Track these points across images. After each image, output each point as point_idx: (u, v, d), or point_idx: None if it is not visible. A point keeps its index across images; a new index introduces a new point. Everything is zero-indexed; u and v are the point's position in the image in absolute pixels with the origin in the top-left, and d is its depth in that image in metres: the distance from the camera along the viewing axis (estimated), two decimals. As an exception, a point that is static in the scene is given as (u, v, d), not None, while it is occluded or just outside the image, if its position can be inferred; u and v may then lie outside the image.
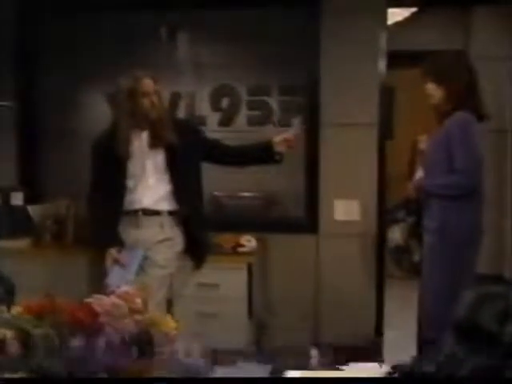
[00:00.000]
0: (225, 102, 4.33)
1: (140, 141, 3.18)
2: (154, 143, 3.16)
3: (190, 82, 4.35)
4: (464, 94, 3.16)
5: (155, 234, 3.20)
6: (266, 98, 4.30)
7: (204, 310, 3.85)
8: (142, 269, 3.16)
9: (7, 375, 1.40)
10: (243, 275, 3.90)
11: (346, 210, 4.17)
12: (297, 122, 3.30)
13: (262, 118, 4.31)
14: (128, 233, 3.22)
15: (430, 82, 3.23)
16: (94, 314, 1.43)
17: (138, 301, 1.56)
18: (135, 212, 3.20)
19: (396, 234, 3.48)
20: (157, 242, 3.20)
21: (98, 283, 3.33)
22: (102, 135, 3.27)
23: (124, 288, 1.67)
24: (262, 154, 3.32)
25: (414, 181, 3.38)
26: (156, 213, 3.20)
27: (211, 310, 3.86)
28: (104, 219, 3.21)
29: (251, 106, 4.32)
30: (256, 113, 4.32)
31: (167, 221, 3.21)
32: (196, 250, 3.29)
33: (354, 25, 4.09)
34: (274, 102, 4.29)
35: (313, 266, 4.23)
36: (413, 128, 4.90)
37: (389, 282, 4.36)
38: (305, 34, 4.20)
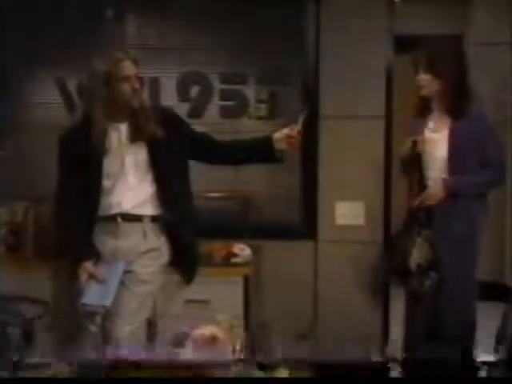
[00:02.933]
0: (194, 91, 3.84)
1: (118, 134, 2.77)
2: (135, 136, 2.76)
3: (154, 68, 3.82)
4: (469, 87, 3.04)
5: (137, 243, 2.79)
6: (240, 86, 3.84)
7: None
8: (123, 284, 2.73)
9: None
10: (238, 289, 3.41)
11: (348, 213, 3.73)
12: (301, 116, 2.84)
13: (237, 110, 3.85)
14: (104, 242, 2.80)
15: (424, 72, 3.00)
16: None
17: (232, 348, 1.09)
18: (113, 217, 2.78)
19: (417, 252, 3.05)
20: (139, 253, 2.78)
21: (66, 303, 3.01)
22: (72, 127, 2.90)
23: (203, 329, 1.18)
24: (260, 152, 2.92)
25: (443, 183, 3.06)
26: (137, 218, 2.79)
27: (201, 331, 3.32)
28: (76, 226, 2.79)
29: (224, 95, 3.86)
30: (229, 103, 3.85)
31: (151, 228, 2.80)
32: (185, 262, 2.88)
33: (358, 3, 3.63)
34: (250, 91, 3.84)
35: (311, 277, 3.78)
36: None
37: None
38: (299, 11, 3.74)
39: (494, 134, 3.09)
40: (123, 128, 2.78)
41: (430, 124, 3.12)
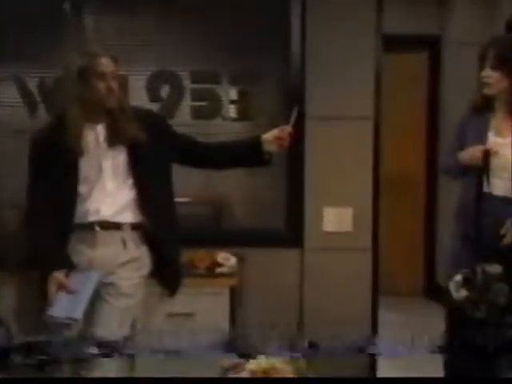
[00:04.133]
0: (165, 91, 3.61)
1: (95, 136, 2.59)
2: (114, 139, 2.58)
3: (122, 66, 3.57)
4: None
5: (117, 253, 2.60)
6: (213, 86, 3.62)
7: (176, 345, 3.10)
8: (102, 298, 2.55)
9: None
10: (224, 301, 3.20)
11: (337, 219, 3.54)
12: (292, 116, 2.68)
13: (210, 110, 3.63)
14: (80, 252, 2.61)
15: (493, 69, 2.76)
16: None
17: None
18: (90, 225, 2.59)
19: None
20: (119, 263, 2.60)
21: (30, 317, 2.83)
22: (45, 128, 2.69)
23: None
24: (248, 155, 2.77)
25: None
26: (116, 226, 2.60)
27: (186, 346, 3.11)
28: (48, 235, 2.58)
29: (196, 95, 3.63)
30: (202, 104, 3.63)
31: (131, 236, 2.61)
32: (168, 273, 2.69)
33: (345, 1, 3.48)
34: (223, 91, 3.62)
35: (297, 287, 3.58)
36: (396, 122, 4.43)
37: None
38: (283, 9, 3.53)
39: None
40: (101, 129, 2.58)
41: (494, 127, 2.84)
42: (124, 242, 2.58)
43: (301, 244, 3.57)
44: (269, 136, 2.68)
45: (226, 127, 3.61)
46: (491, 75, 2.78)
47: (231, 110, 3.63)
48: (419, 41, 5.10)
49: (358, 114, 3.52)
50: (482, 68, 2.80)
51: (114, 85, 2.54)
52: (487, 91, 2.80)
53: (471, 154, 2.79)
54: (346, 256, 3.54)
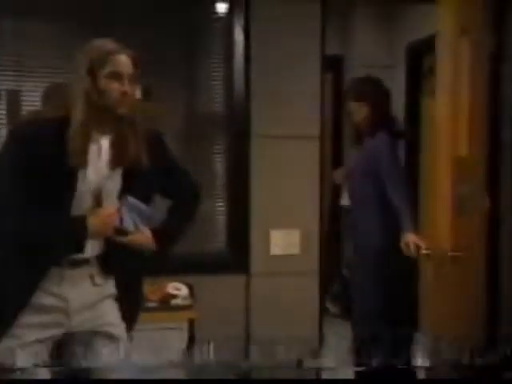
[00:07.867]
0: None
1: (98, 150, 2.11)
2: (118, 158, 2.12)
3: (11, 79, 3.24)
4: (385, 116, 3.32)
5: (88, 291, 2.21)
6: None
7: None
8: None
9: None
10: (181, 337, 2.90)
11: (284, 242, 3.40)
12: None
13: None
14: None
15: (354, 101, 3.36)
16: None
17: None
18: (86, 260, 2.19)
19: None
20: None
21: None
22: (41, 124, 2.11)
23: None
24: None
25: None
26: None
27: None
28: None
29: None
30: None
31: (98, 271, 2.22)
32: (130, 307, 2.35)
33: (290, 15, 3.35)
34: None
35: (242, 314, 3.39)
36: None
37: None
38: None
39: (395, 159, 3.26)
40: (105, 143, 2.11)
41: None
42: (92, 277, 2.19)
43: (246, 269, 3.39)
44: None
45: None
46: (354, 106, 3.34)
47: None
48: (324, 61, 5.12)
49: (305, 133, 3.41)
50: (347, 100, 3.43)
51: (130, 90, 2.10)
52: (353, 119, 3.38)
53: None
54: (294, 280, 3.40)
